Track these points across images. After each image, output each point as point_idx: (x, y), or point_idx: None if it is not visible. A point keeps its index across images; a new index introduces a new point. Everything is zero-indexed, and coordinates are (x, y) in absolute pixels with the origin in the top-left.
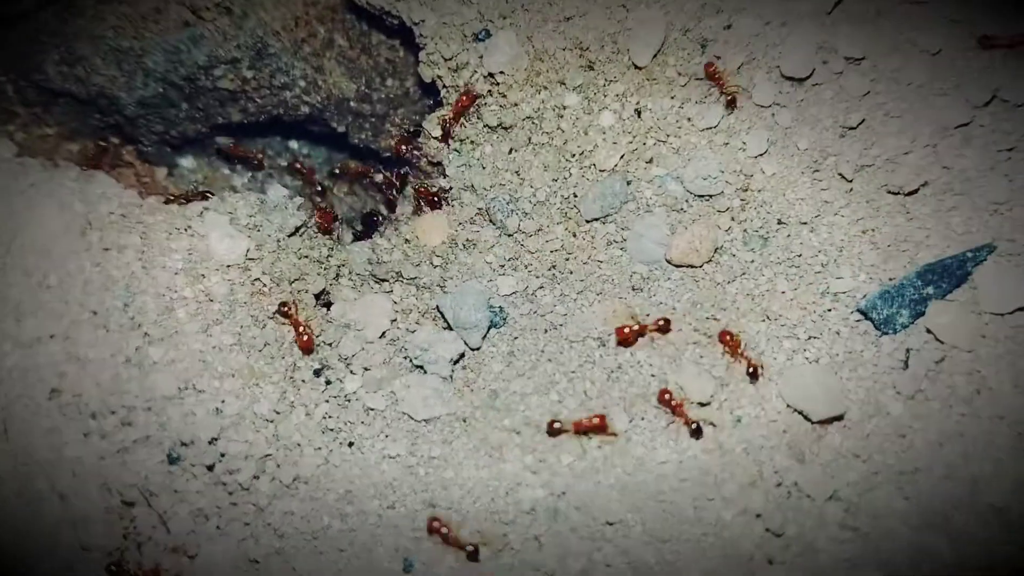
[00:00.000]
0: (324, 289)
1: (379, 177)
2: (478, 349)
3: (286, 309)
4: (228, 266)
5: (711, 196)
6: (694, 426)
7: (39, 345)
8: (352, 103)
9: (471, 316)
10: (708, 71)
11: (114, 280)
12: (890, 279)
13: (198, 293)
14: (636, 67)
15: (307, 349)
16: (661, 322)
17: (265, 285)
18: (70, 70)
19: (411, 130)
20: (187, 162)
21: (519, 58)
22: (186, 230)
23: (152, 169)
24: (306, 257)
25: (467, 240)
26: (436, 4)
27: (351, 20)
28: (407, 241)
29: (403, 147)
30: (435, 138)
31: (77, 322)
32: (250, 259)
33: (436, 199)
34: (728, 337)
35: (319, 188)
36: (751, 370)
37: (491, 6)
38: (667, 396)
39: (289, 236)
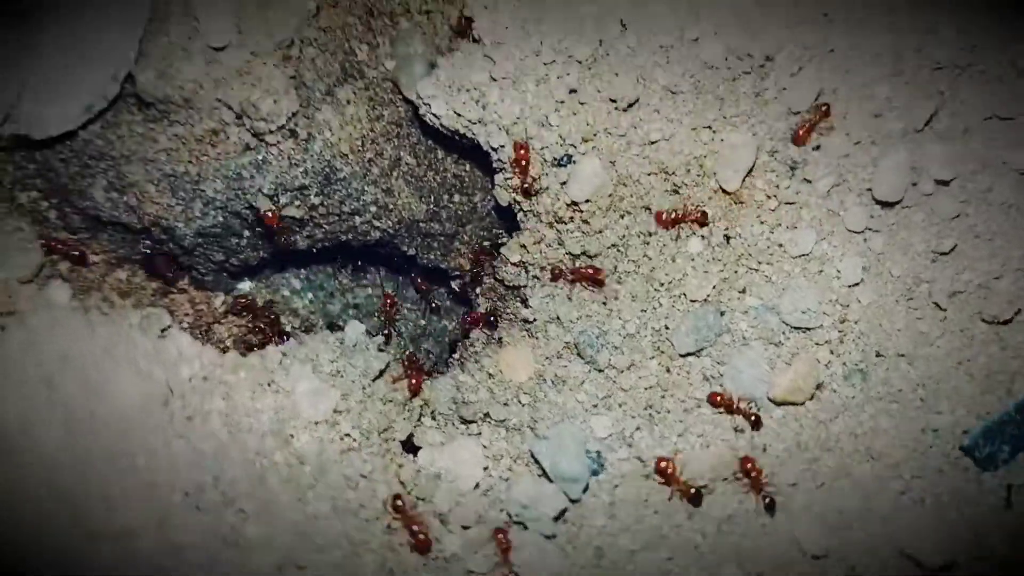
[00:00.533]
0: (410, 433)
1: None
2: (578, 501)
3: (399, 503)
4: (316, 423)
5: (809, 328)
6: None
7: (132, 538)
8: (422, 223)
9: (572, 467)
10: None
11: (202, 453)
12: (987, 412)
13: (288, 457)
14: (724, 191)
15: (424, 549)
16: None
17: (355, 440)
18: (120, 197)
19: (485, 246)
20: (245, 286)
21: (602, 183)
22: (269, 386)
23: (208, 296)
24: (391, 401)
25: (556, 376)
26: (515, 129)
27: (416, 135)
28: (491, 376)
29: (480, 259)
30: (513, 264)
31: (169, 505)
32: (337, 412)
33: (491, 319)
34: None
35: (409, 356)
36: None
37: (572, 130)
38: None
39: (373, 381)
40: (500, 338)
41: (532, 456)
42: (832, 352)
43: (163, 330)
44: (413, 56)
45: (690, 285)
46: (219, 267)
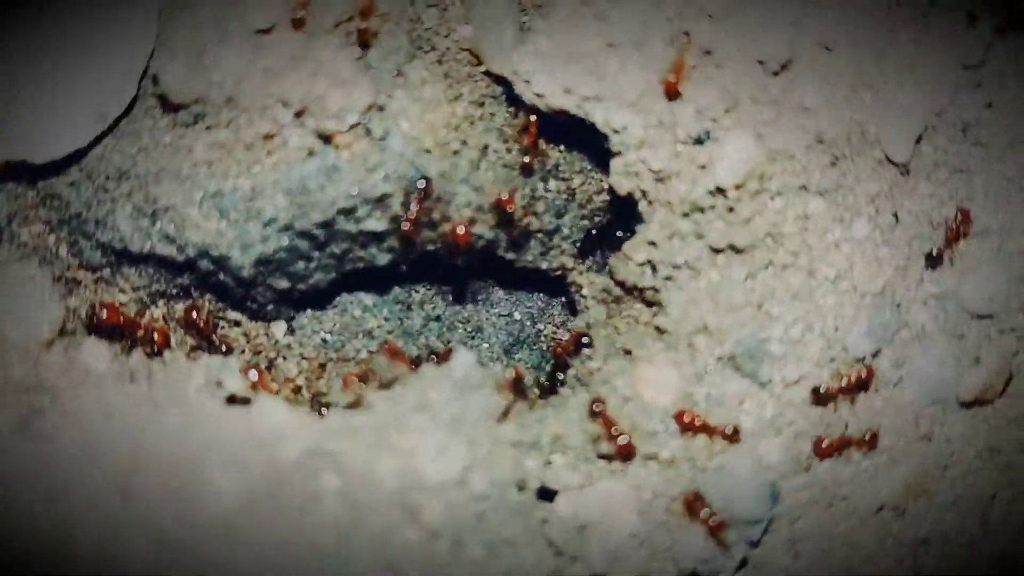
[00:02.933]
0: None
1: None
2: (757, 544)
3: None
4: (444, 484)
5: (993, 316)
6: None
7: None
8: (517, 221)
9: (750, 506)
10: None
11: (321, 548)
12: None
13: (420, 533)
14: (890, 161)
15: None
16: None
17: (490, 498)
18: (152, 225)
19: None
20: (307, 315)
21: (751, 162)
22: (387, 448)
23: (266, 328)
24: (520, 444)
25: (709, 396)
26: (643, 104)
27: (503, 114)
28: (627, 400)
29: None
30: (637, 264)
31: None
32: (467, 468)
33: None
34: None
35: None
36: None
37: (712, 102)
38: None
39: (498, 422)
40: (626, 349)
41: (697, 495)
42: (1020, 339)
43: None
44: (497, 18)
45: (860, 276)
46: (281, 296)
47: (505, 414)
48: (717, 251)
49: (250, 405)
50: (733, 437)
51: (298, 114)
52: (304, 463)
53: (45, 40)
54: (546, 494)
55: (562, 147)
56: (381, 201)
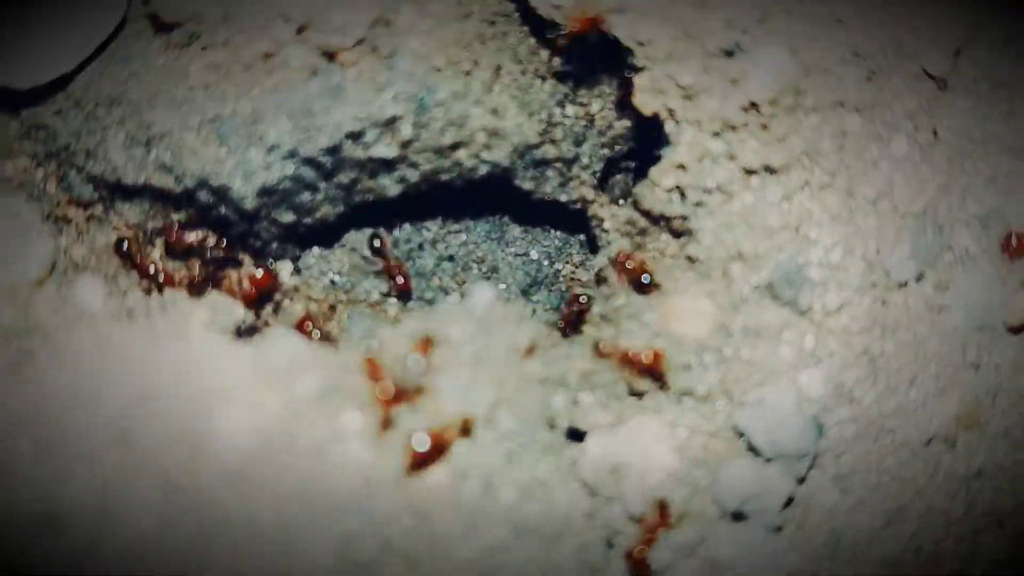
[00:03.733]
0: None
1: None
2: (804, 480)
3: None
4: (472, 424)
5: None
6: None
7: None
8: (535, 148)
9: (795, 439)
10: None
11: (346, 495)
12: None
13: (450, 475)
14: (928, 75)
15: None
16: None
17: (521, 437)
18: (147, 153)
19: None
20: (314, 253)
21: (786, 76)
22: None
23: (269, 268)
24: (547, 380)
25: (745, 326)
26: (670, 12)
27: (516, 33)
28: (657, 335)
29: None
30: (665, 189)
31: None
32: (494, 405)
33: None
34: None
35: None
36: None
37: (743, 11)
38: None
39: (523, 358)
40: (652, 282)
41: (736, 432)
42: None
43: (246, 328)
44: None
45: (900, 196)
46: (286, 232)
47: (530, 351)
48: (750, 172)
49: (259, 337)
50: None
51: (299, 30)
52: (323, 400)
53: None
54: (576, 434)
55: (580, 67)
56: (391, 124)
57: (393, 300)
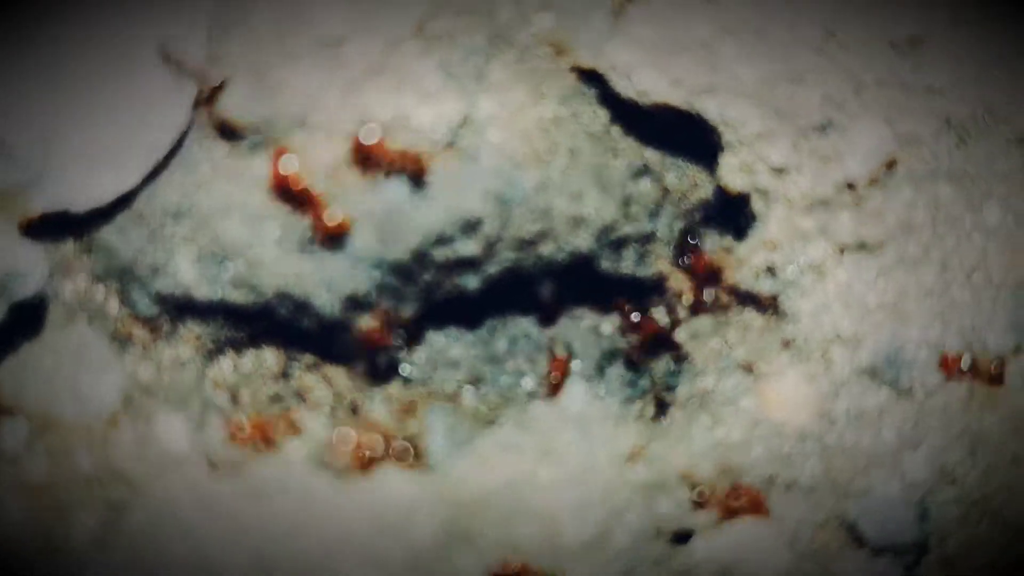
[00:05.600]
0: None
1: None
2: (911, 568)
3: None
4: (583, 544)
5: None
6: None
7: None
8: (614, 229)
9: (902, 529)
10: None
11: None
12: None
13: None
14: (1020, 141)
15: None
16: None
17: (630, 557)
18: (219, 269)
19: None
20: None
21: (881, 149)
22: (524, 514)
23: (347, 369)
24: (651, 485)
25: (848, 411)
26: (766, 94)
27: (590, 112)
28: (755, 424)
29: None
30: (756, 268)
31: None
32: (602, 529)
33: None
34: None
35: None
36: None
37: (837, 89)
38: None
39: (627, 463)
40: (746, 364)
41: (843, 521)
42: None
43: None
44: (582, 3)
45: (994, 266)
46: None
47: (632, 457)
48: (844, 249)
49: (364, 477)
50: None
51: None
52: (441, 545)
53: (80, 70)
54: (682, 536)
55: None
56: (477, 223)
57: (469, 387)
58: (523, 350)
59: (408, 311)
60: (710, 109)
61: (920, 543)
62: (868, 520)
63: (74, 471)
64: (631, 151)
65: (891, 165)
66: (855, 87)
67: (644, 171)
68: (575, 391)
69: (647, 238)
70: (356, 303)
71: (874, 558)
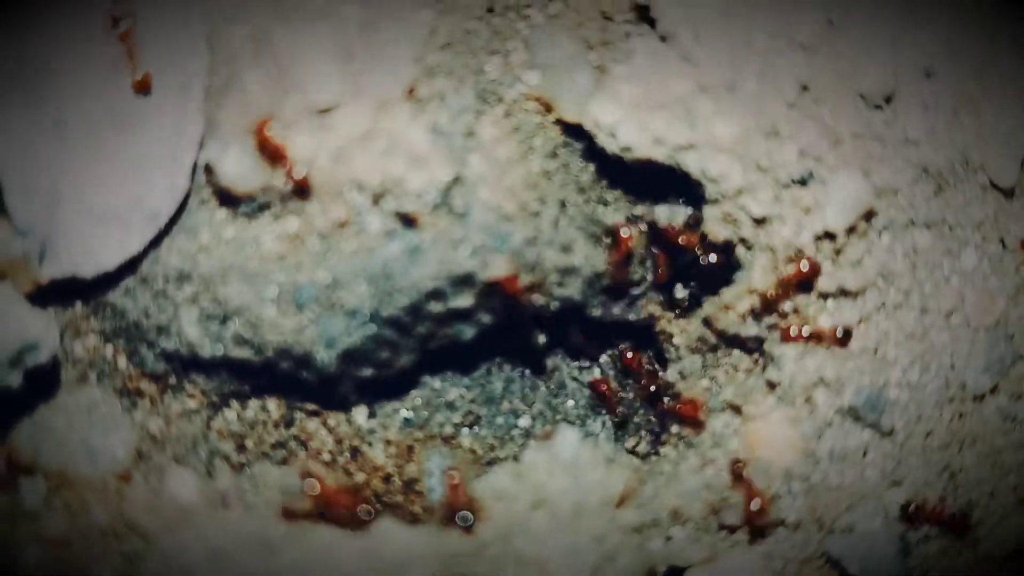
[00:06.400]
0: None
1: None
2: None
3: None
4: None
5: None
6: None
7: None
8: (604, 276)
9: (885, 564)
10: None
11: None
12: None
13: None
14: (994, 186)
15: None
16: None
17: None
18: (222, 328)
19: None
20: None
21: (859, 201)
22: (514, 562)
23: (347, 415)
24: (642, 527)
25: (832, 452)
26: (745, 148)
27: (578, 164)
28: (737, 463)
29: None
30: (746, 314)
31: None
32: (596, 570)
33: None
34: None
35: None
36: None
37: (814, 140)
38: None
39: (618, 507)
40: (733, 405)
41: (828, 559)
42: None
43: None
44: (565, 61)
45: (972, 309)
46: (363, 384)
47: (622, 500)
48: (826, 296)
49: (366, 528)
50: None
51: (376, 198)
52: None
53: (81, 141)
54: (673, 572)
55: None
56: (467, 278)
57: (466, 430)
58: (518, 390)
59: (404, 360)
60: (691, 164)
61: None
62: (852, 556)
63: (91, 525)
64: (620, 201)
65: (869, 215)
66: (831, 140)
67: (633, 220)
68: (567, 435)
69: (637, 283)
70: (353, 356)
71: None
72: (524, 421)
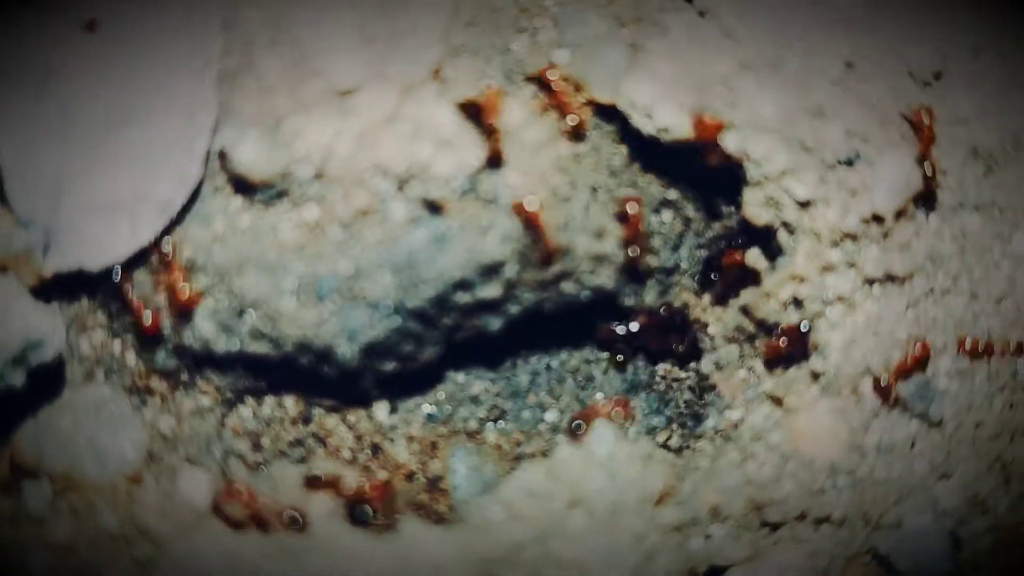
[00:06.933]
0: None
1: None
2: None
3: None
4: None
5: None
6: None
7: None
8: (636, 263)
9: (934, 560)
10: None
11: None
12: None
13: None
14: None
15: None
16: None
17: None
18: (239, 323)
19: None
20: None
21: (910, 182)
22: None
23: (368, 411)
24: (681, 525)
25: (879, 444)
26: (791, 129)
27: (609, 146)
28: (785, 459)
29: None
30: (788, 302)
31: None
32: (637, 571)
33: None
34: None
35: None
36: None
37: (860, 120)
38: None
39: (656, 505)
40: (774, 396)
41: (875, 556)
42: None
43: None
44: (596, 39)
45: (1022, 292)
46: (384, 379)
47: (662, 498)
48: (872, 281)
49: (392, 532)
50: None
51: (401, 184)
52: None
53: (88, 122)
54: (715, 570)
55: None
56: (496, 267)
57: (491, 425)
58: (544, 383)
59: (428, 354)
60: (733, 145)
61: (953, 573)
62: (900, 552)
63: (99, 529)
64: (653, 185)
65: (920, 198)
66: (878, 120)
67: (666, 204)
68: (602, 432)
69: (670, 271)
70: (376, 350)
71: None
72: (551, 415)
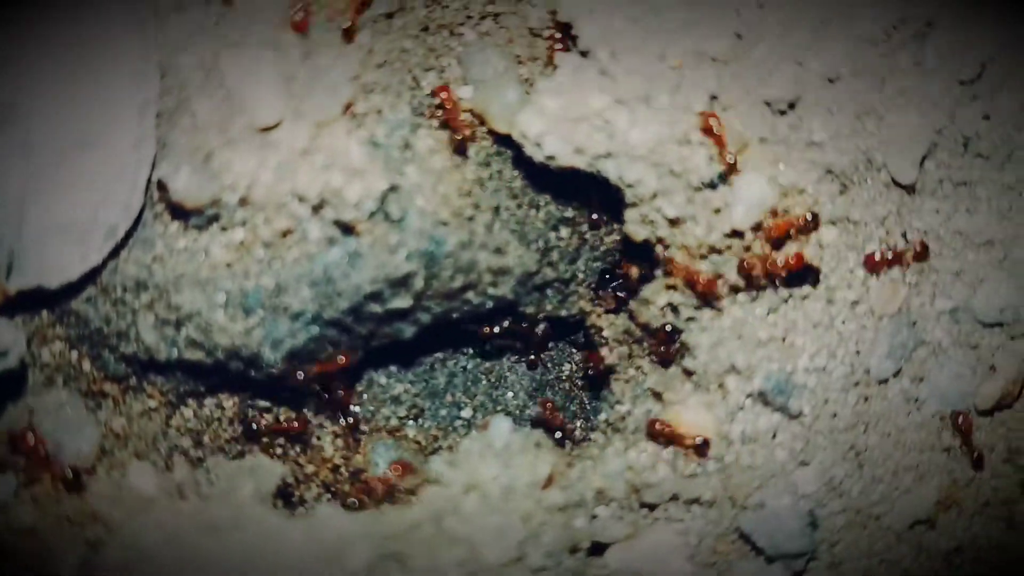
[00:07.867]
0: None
1: None
2: (801, 573)
3: None
4: (503, 563)
5: (1004, 324)
6: None
7: None
8: (535, 274)
9: (794, 540)
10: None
11: None
12: None
13: None
14: (896, 184)
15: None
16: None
17: (549, 571)
18: (177, 333)
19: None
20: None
21: (764, 201)
22: (448, 539)
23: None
24: (566, 506)
25: (743, 434)
26: (657, 155)
27: (510, 172)
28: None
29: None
30: (661, 308)
31: None
32: (523, 542)
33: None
34: None
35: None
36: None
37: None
38: None
39: (543, 488)
40: (655, 391)
41: (740, 534)
42: None
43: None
44: (496, 76)
45: (876, 299)
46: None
47: (549, 481)
48: (737, 289)
49: (309, 512)
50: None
51: (316, 208)
52: (374, 570)
53: (47, 161)
54: (597, 548)
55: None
56: (405, 280)
57: (411, 422)
58: (461, 384)
59: (348, 358)
60: (611, 171)
61: (810, 550)
62: (762, 531)
63: (57, 516)
64: (550, 204)
65: (775, 213)
66: (739, 145)
67: (564, 221)
68: (501, 425)
69: (567, 281)
70: (298, 356)
71: (768, 565)
72: (466, 412)
